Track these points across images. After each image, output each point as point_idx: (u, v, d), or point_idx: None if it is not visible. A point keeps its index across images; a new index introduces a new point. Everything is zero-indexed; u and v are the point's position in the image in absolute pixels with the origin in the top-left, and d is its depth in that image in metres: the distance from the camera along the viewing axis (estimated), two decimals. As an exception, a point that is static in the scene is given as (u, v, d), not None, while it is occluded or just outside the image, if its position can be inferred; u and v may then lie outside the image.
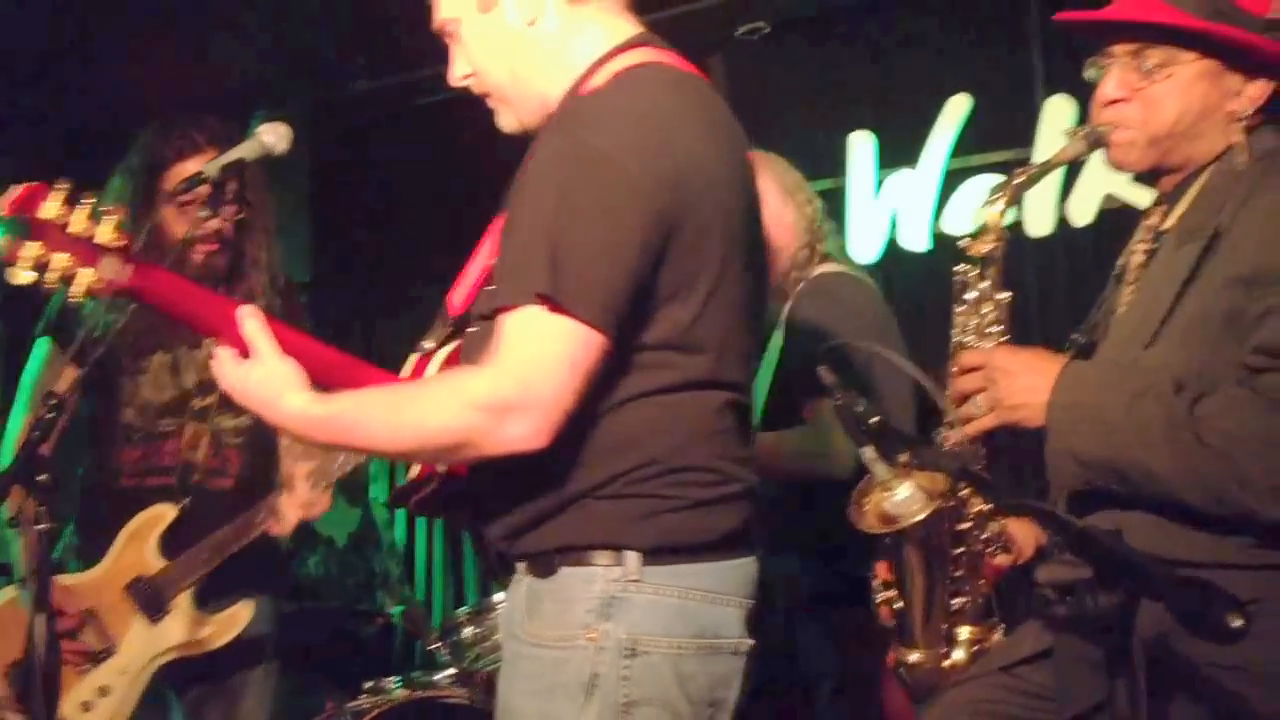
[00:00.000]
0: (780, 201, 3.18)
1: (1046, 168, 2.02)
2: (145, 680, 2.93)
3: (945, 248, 4.59)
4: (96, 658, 2.98)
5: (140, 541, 2.95)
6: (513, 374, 1.69)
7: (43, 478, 2.16)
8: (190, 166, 2.90)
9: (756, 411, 3.11)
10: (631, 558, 1.76)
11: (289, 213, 6.39)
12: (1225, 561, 1.75)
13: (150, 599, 2.93)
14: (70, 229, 1.85)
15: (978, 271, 2.01)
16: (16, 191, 1.86)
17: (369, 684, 4.03)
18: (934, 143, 4.60)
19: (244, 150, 2.47)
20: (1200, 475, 1.71)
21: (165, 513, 2.96)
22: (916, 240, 4.64)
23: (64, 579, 2.93)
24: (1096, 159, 2.02)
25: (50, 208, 1.84)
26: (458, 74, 1.95)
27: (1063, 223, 4.41)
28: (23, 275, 1.85)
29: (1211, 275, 1.81)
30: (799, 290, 3.13)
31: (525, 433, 1.69)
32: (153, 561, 2.95)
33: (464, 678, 3.96)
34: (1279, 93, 1.91)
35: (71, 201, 1.86)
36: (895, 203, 4.68)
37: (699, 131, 1.79)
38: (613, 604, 1.75)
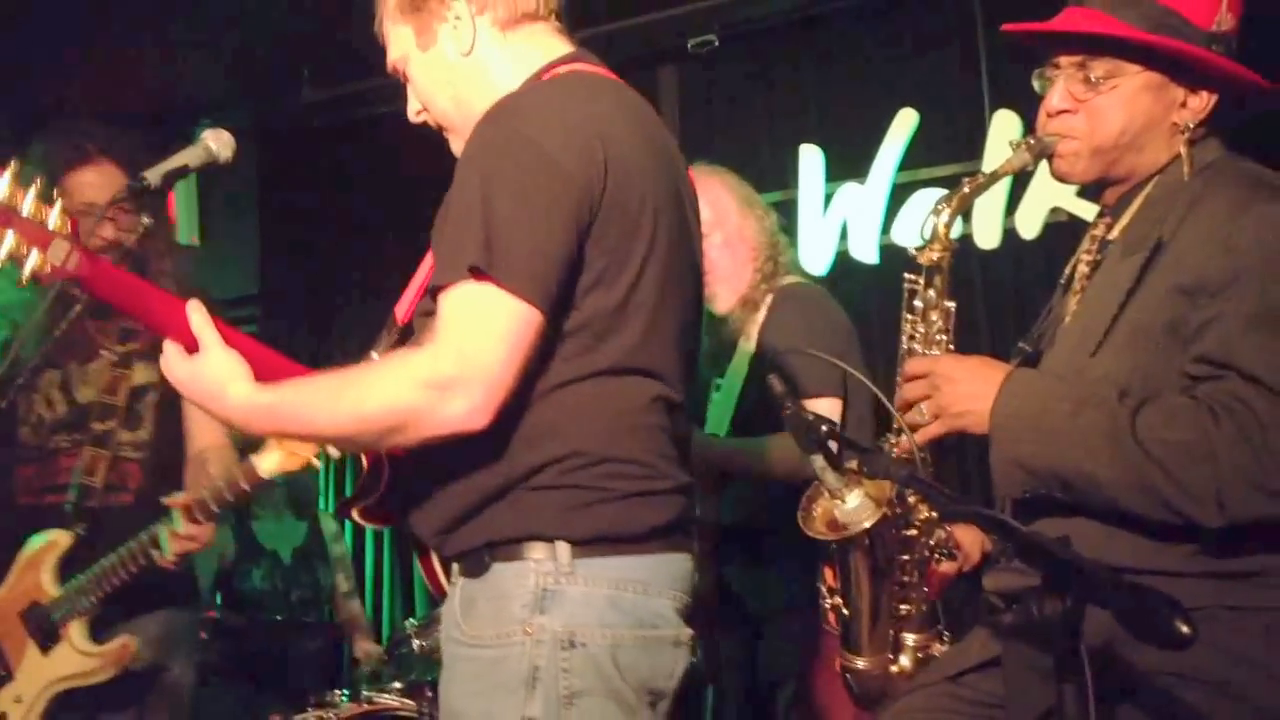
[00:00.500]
0: (740, 215, 3.21)
1: (993, 178, 2.04)
2: (41, 708, 2.89)
3: (893, 259, 4.62)
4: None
5: (36, 568, 2.92)
6: (452, 348, 1.70)
7: None
8: (84, 176, 2.89)
9: (727, 418, 3.15)
10: (563, 549, 1.78)
11: (236, 224, 6.38)
12: (1168, 569, 1.76)
13: (43, 627, 2.89)
14: (21, 210, 1.84)
15: (925, 280, 2.02)
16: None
17: (315, 697, 4.00)
18: (882, 156, 4.63)
19: (188, 157, 2.43)
20: (1142, 483, 1.72)
21: (61, 540, 2.93)
22: (865, 252, 4.67)
23: None
24: (1044, 171, 2.03)
25: (1, 186, 1.83)
26: (411, 111, 2.04)
27: (1010, 234, 4.45)
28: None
29: (1154, 285, 1.82)
30: (772, 300, 3.18)
31: (466, 409, 1.70)
32: (48, 588, 2.91)
33: (412, 690, 3.94)
34: (1222, 105, 1.93)
35: (22, 183, 1.85)
36: (844, 215, 4.71)
37: (623, 126, 1.84)
38: (546, 596, 1.77)
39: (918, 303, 2.02)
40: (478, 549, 1.82)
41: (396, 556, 5.68)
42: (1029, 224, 4.40)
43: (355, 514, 2.01)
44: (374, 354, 1.96)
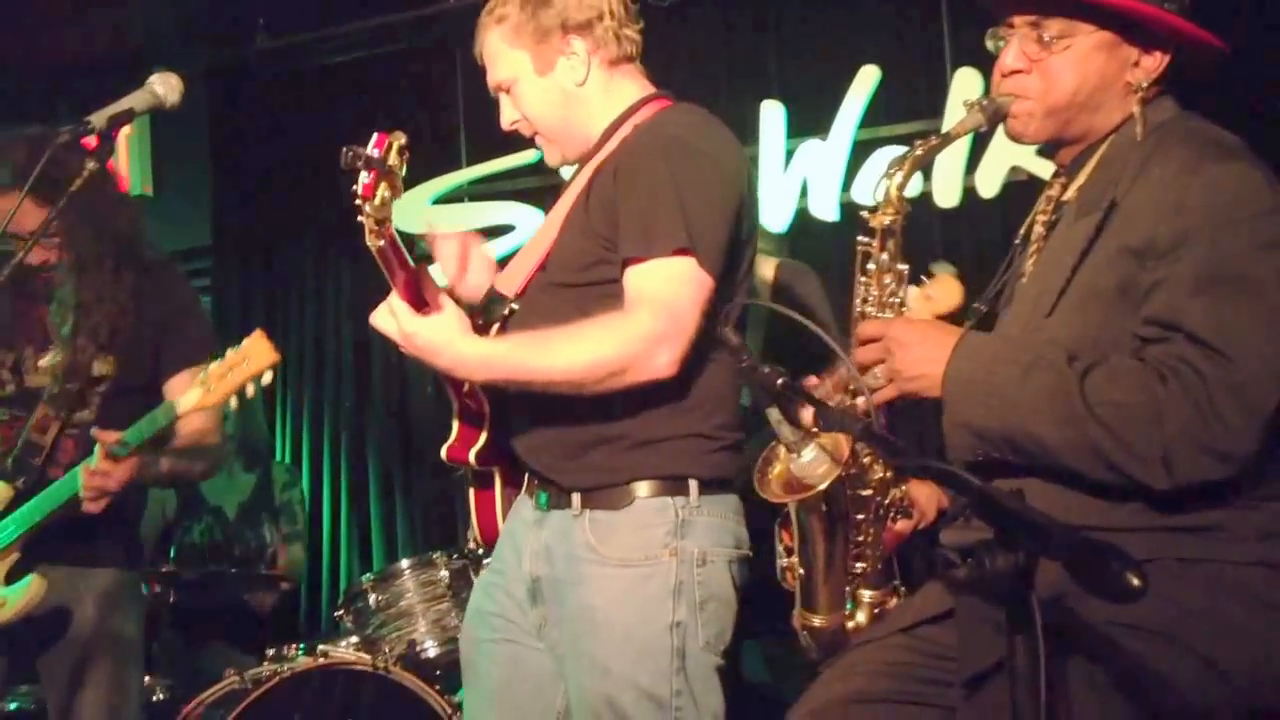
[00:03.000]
0: None
1: (946, 140, 2.03)
2: None
3: (853, 217, 4.57)
4: None
5: None
6: (666, 311, 2.13)
7: None
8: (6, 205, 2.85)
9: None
10: (694, 487, 2.23)
11: (188, 175, 6.28)
12: (1118, 525, 1.78)
13: None
14: (396, 170, 2.11)
15: (879, 243, 2.01)
16: (376, 137, 2.09)
17: (271, 651, 3.99)
18: (843, 113, 4.62)
19: (134, 101, 2.40)
20: (1089, 446, 1.73)
21: (2, 491, 2.91)
22: (825, 209, 4.66)
23: None
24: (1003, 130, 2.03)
25: (392, 154, 2.09)
26: (506, 120, 2.41)
27: (969, 194, 4.46)
28: (369, 209, 2.08)
29: (1106, 246, 1.83)
30: (779, 274, 3.33)
31: (669, 360, 2.13)
32: None
33: (368, 644, 3.93)
34: (1175, 64, 1.93)
35: (400, 151, 2.10)
36: (804, 172, 4.69)
37: (737, 146, 2.35)
38: (684, 525, 2.21)
39: (871, 265, 2.02)
40: (621, 484, 2.22)
41: (353, 511, 5.66)
42: (989, 183, 4.41)
43: (472, 458, 2.36)
44: (478, 324, 2.29)
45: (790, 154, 4.73)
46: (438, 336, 2.15)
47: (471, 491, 2.48)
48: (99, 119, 2.34)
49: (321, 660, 3.76)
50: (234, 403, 2.71)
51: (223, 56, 5.72)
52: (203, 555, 4.68)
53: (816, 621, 2.09)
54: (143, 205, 5.20)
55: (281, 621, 4.58)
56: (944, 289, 2.73)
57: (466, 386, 2.32)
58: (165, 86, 2.41)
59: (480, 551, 3.76)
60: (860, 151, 4.62)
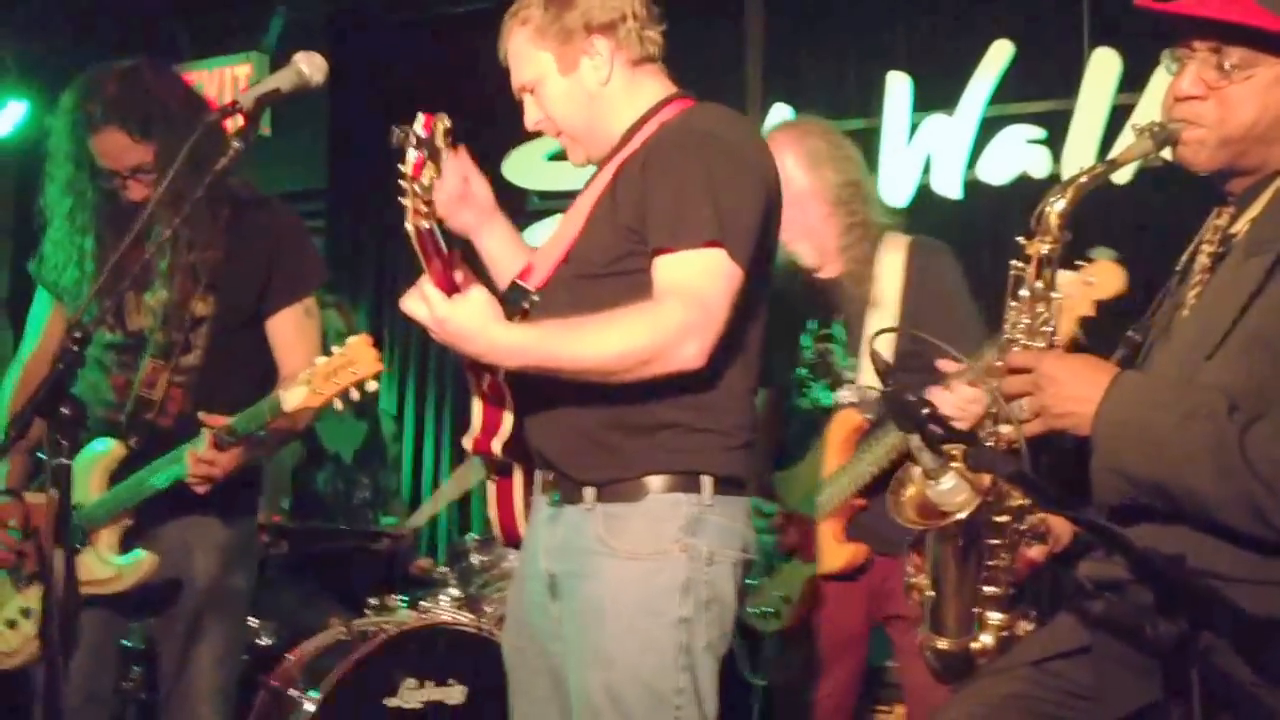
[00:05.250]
0: (807, 174, 3.13)
1: (1112, 166, 1.95)
2: None
3: (977, 196, 4.53)
4: (29, 579, 3.00)
5: (86, 471, 2.91)
6: (697, 301, 2.12)
7: (66, 410, 2.13)
8: (97, 145, 2.86)
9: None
10: (708, 484, 2.22)
11: (307, 116, 6.31)
12: (1272, 579, 1.72)
13: (74, 529, 2.89)
14: (441, 153, 2.14)
15: (1033, 270, 1.94)
16: (423, 119, 2.13)
17: (374, 601, 4.05)
18: (973, 88, 4.50)
19: (280, 80, 2.40)
20: (1247, 502, 1.69)
21: (115, 449, 2.93)
22: (948, 187, 4.56)
23: (30, 496, 2.93)
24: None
25: (439, 136, 2.13)
26: (531, 121, 2.40)
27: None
28: (417, 189, 2.11)
29: (1275, 292, 1.76)
30: (909, 251, 3.16)
31: (698, 351, 2.12)
32: (93, 493, 2.92)
33: (470, 603, 3.97)
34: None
35: (446, 134, 2.14)
36: (929, 147, 4.59)
37: (765, 144, 2.36)
38: (696, 522, 2.21)
39: (1023, 291, 1.95)
40: (634, 478, 2.21)
41: (455, 466, 5.69)
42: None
43: (498, 449, 2.34)
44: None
45: (915, 128, 4.63)
46: (470, 322, 2.13)
47: (492, 486, 2.46)
48: (246, 100, 2.34)
49: (425, 618, 3.82)
50: (338, 404, 2.72)
51: (346, 3, 5.71)
52: (323, 503, 4.73)
53: (942, 645, 2.06)
54: (255, 145, 5.23)
55: (382, 573, 4.62)
56: (1105, 274, 2.62)
57: (488, 378, 2.31)
58: (310, 65, 2.41)
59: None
60: (988, 128, 4.50)
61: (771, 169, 2.28)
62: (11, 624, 3.01)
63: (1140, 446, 1.75)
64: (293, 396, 2.73)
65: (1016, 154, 4.44)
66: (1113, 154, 1.93)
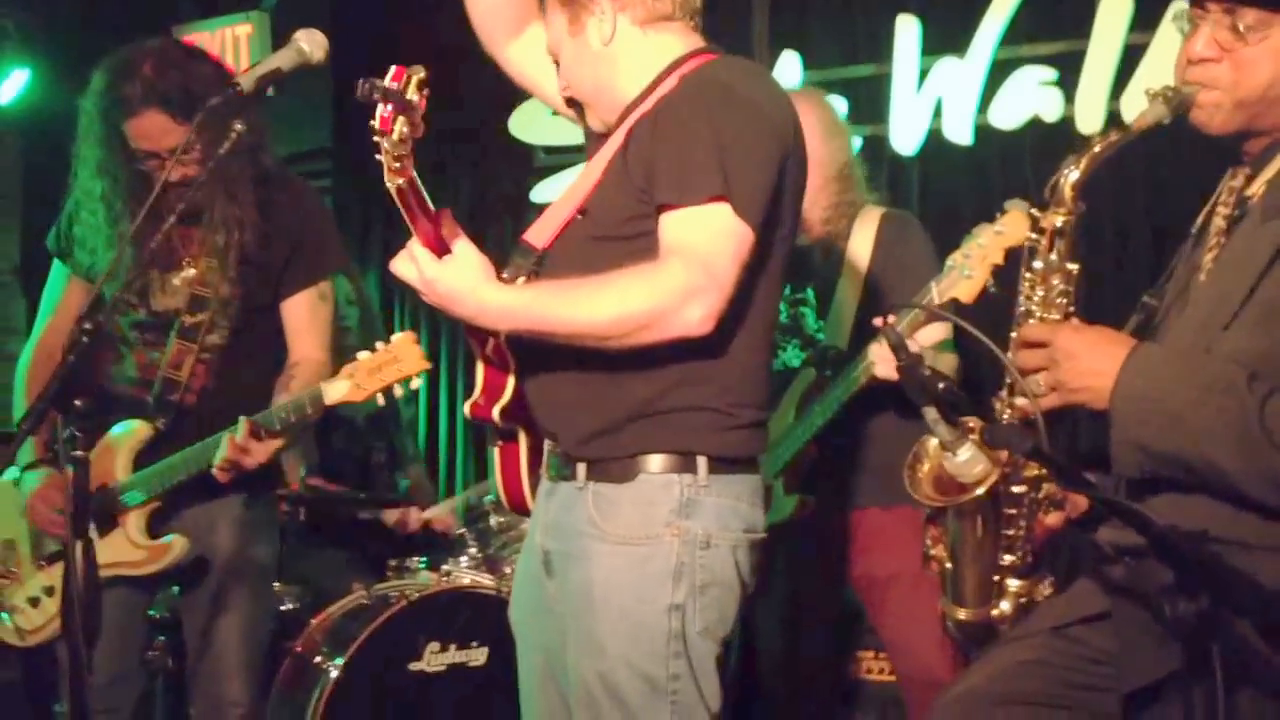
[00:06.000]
0: (820, 141, 3.15)
1: (1126, 135, 1.92)
2: None
3: (988, 141, 4.47)
4: (51, 557, 3.04)
5: (113, 453, 2.95)
6: (700, 262, 2.01)
7: (80, 403, 2.13)
8: (135, 128, 2.84)
9: (846, 328, 3.32)
10: (703, 465, 2.13)
11: (311, 75, 6.23)
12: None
13: (102, 511, 2.91)
14: (415, 106, 2.06)
15: (1047, 242, 1.92)
16: (394, 70, 2.05)
17: (393, 562, 4.07)
18: (983, 30, 4.42)
19: (280, 60, 2.40)
20: (1268, 474, 1.68)
21: (142, 430, 2.95)
22: (959, 133, 4.49)
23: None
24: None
25: (412, 88, 2.04)
26: (560, 88, 2.32)
27: (1114, 118, 4.27)
28: (388, 145, 2.04)
29: None
30: (880, 223, 3.31)
31: (702, 315, 2.01)
32: (120, 474, 2.94)
33: (490, 564, 3.99)
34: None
35: (420, 86, 2.05)
36: (939, 92, 4.52)
37: (787, 99, 2.21)
38: (689, 504, 2.12)
39: (1038, 264, 1.93)
40: (626, 457, 2.14)
41: (470, 427, 5.69)
42: (1135, 107, 4.20)
43: (497, 415, 2.26)
44: (503, 275, 2.17)
45: (924, 73, 4.55)
46: (460, 283, 2.06)
47: (496, 450, 2.40)
48: (247, 81, 2.33)
49: (446, 582, 3.84)
50: (380, 400, 2.72)
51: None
52: (339, 467, 4.74)
53: (962, 615, 2.05)
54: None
55: (402, 536, 4.64)
56: (1013, 223, 2.81)
57: (491, 341, 2.24)
58: (310, 43, 2.41)
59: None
60: (999, 71, 4.42)
61: (792, 125, 2.16)
62: (34, 601, 3.04)
63: (1159, 420, 1.74)
64: (335, 390, 2.74)
65: (1028, 97, 4.38)
66: (1128, 124, 1.89)
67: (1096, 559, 1.99)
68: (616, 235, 2.15)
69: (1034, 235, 1.94)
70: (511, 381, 2.25)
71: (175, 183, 2.74)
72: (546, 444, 2.31)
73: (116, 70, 2.88)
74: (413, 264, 2.09)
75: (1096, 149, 1.90)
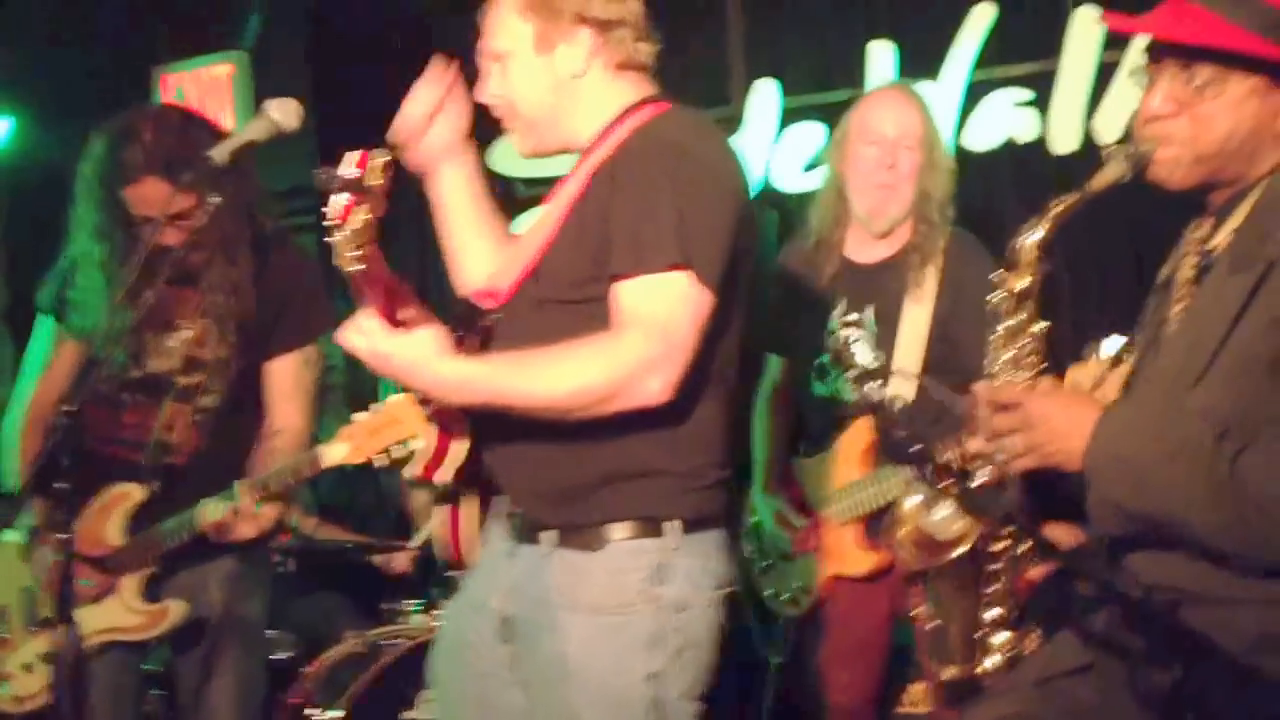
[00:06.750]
0: (933, 144, 3.23)
1: (1085, 194, 1.90)
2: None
3: (966, 162, 4.46)
4: (45, 622, 2.99)
5: (105, 515, 2.95)
6: (660, 332, 1.99)
7: (60, 486, 2.14)
8: (133, 194, 2.85)
9: (917, 352, 3.13)
10: (675, 528, 2.11)
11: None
12: (1272, 598, 1.72)
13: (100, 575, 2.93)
14: (378, 191, 2.02)
15: (1013, 304, 1.92)
16: (357, 156, 2.01)
17: (385, 606, 4.06)
18: (956, 53, 4.44)
19: (254, 131, 2.40)
20: (1240, 534, 1.69)
21: (135, 493, 2.96)
22: (937, 155, 4.50)
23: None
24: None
25: (375, 174, 2.01)
26: (487, 92, 2.24)
27: (1089, 138, 4.29)
28: (343, 236, 2.00)
29: (1259, 314, 1.75)
30: (951, 246, 3.21)
31: (662, 386, 2.00)
32: (112, 538, 2.95)
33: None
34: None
35: (385, 169, 2.02)
36: (917, 115, 4.53)
37: (736, 153, 2.20)
38: (662, 569, 2.10)
39: (1004, 324, 1.93)
40: (593, 524, 2.11)
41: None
42: (1112, 128, 4.20)
43: (451, 476, 2.22)
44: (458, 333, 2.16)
45: (900, 96, 4.56)
46: (414, 356, 2.03)
47: (441, 510, 2.34)
48: (220, 153, 2.34)
49: (438, 624, 3.83)
50: (377, 463, 2.72)
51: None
52: (327, 510, 4.72)
53: (947, 675, 2.06)
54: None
55: (394, 579, 4.63)
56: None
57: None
58: (282, 112, 2.41)
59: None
60: (974, 93, 4.44)
61: (742, 179, 2.17)
62: (28, 667, 3.04)
63: (1132, 482, 1.74)
64: (333, 454, 2.74)
65: (1004, 118, 4.39)
66: (1088, 183, 1.89)
67: (1078, 609, 1.99)
68: (567, 299, 2.12)
69: (1000, 294, 1.93)
70: (463, 443, 2.21)
71: (171, 246, 2.76)
72: (500, 501, 2.27)
73: (116, 136, 2.89)
74: (363, 336, 2.06)
75: (1057, 209, 1.90)
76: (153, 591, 2.97)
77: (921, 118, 3.29)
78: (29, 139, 5.91)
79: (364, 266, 2.01)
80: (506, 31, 2.20)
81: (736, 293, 2.13)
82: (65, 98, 5.66)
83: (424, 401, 2.24)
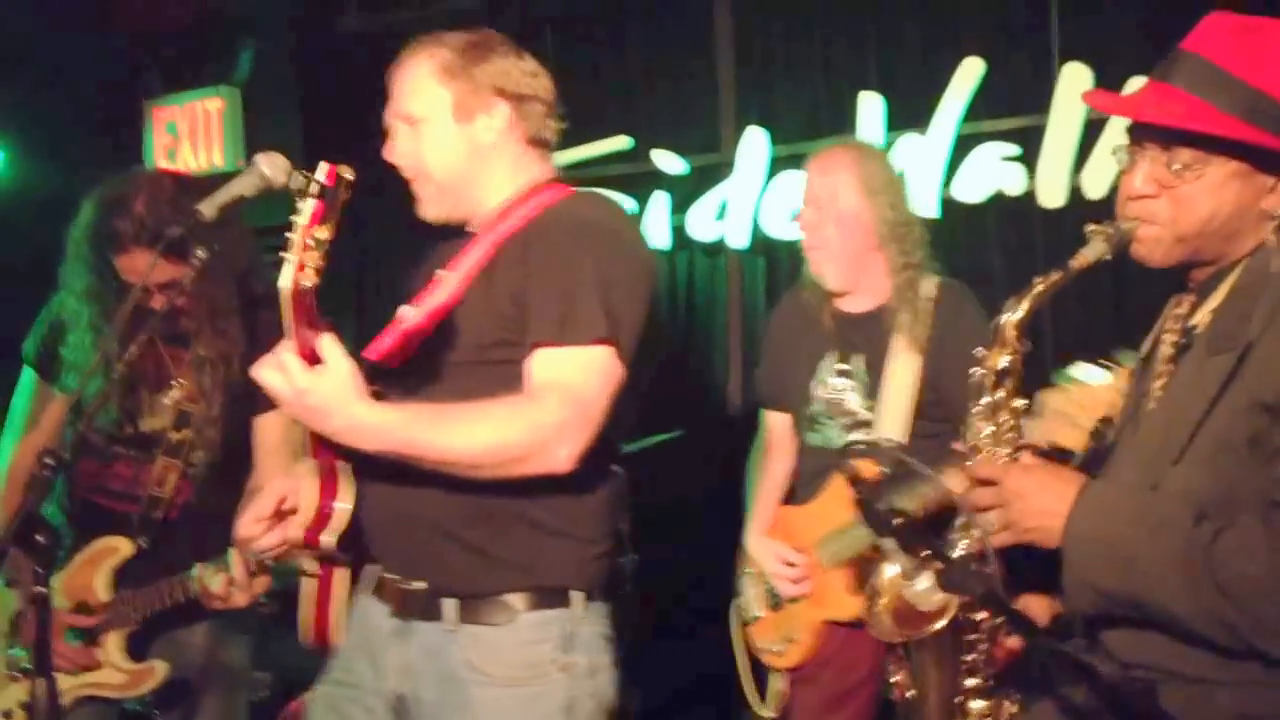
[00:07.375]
0: (858, 199, 3.13)
1: (1068, 274, 1.92)
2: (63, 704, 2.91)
3: (953, 214, 4.51)
4: (29, 672, 2.98)
5: (93, 568, 2.94)
6: (575, 400, 2.03)
7: (40, 539, 2.12)
8: (122, 263, 2.84)
9: (905, 401, 3.14)
10: (579, 598, 2.18)
11: (282, 151, 6.24)
12: (1249, 680, 1.73)
13: (83, 630, 2.92)
14: (338, 208, 1.99)
15: (993, 382, 1.93)
16: (327, 168, 1.99)
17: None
18: (945, 106, 4.48)
19: (242, 186, 2.38)
20: (1216, 617, 1.69)
21: (123, 547, 2.94)
22: (925, 206, 4.52)
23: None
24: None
25: (342, 189, 1.99)
26: (395, 153, 2.28)
27: (1075, 193, 4.32)
28: (310, 242, 1.96)
29: (1237, 397, 1.76)
30: (939, 294, 3.14)
31: (569, 454, 2.03)
32: (99, 592, 2.93)
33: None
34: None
35: (347, 187, 2.00)
36: (903, 166, 4.54)
37: (644, 234, 2.40)
38: (571, 638, 2.16)
39: (985, 399, 1.94)
40: (499, 595, 2.13)
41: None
42: (1096, 183, 4.24)
43: (334, 542, 2.17)
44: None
45: (888, 148, 4.59)
46: (333, 397, 1.95)
47: (309, 582, 2.28)
48: (209, 208, 2.33)
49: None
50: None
51: (314, 36, 5.68)
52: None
53: (926, 743, 2.06)
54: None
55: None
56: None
57: (335, 461, 2.16)
58: (272, 167, 2.37)
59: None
60: (962, 146, 4.48)
61: (653, 259, 2.25)
62: (8, 714, 3.02)
63: (1109, 563, 1.75)
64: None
65: (991, 171, 4.43)
66: (1068, 263, 1.91)
67: (1059, 681, 2.00)
68: (478, 360, 2.14)
69: (980, 370, 1.94)
70: (347, 507, 2.17)
71: (163, 309, 2.74)
72: (376, 576, 2.23)
73: (108, 204, 2.86)
74: (281, 373, 1.98)
75: (1038, 289, 1.91)
76: (136, 642, 2.94)
77: (850, 175, 3.17)
78: (20, 171, 5.91)
79: (316, 282, 1.95)
80: (423, 96, 2.23)
81: (643, 368, 2.18)
82: (57, 131, 5.68)
83: (319, 457, 2.19)
